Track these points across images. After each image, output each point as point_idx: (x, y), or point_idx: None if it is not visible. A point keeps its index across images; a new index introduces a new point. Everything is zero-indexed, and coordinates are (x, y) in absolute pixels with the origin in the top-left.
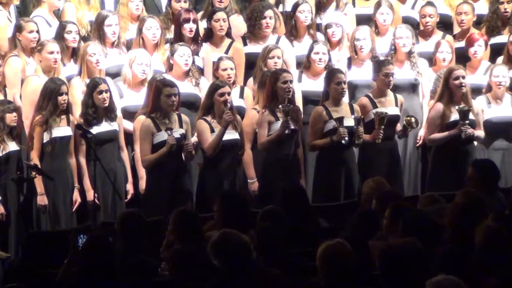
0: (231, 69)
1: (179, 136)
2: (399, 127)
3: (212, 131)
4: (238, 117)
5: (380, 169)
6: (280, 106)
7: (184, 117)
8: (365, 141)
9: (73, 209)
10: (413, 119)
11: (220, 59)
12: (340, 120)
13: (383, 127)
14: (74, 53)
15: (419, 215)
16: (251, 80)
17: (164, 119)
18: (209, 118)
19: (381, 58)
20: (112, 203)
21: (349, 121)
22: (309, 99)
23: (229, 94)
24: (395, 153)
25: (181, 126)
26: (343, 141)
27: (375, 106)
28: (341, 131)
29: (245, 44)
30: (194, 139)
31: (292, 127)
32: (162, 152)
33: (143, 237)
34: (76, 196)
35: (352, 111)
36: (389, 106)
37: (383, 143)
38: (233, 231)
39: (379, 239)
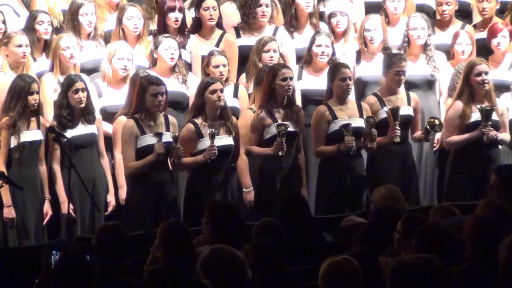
0: (224, 65)
1: (170, 140)
2: (419, 131)
3: (201, 136)
4: (234, 119)
5: (392, 175)
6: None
7: (171, 119)
8: (379, 144)
9: (44, 223)
10: (437, 121)
11: (211, 54)
12: (346, 126)
13: (398, 122)
14: (46, 46)
15: (435, 229)
16: (243, 76)
17: (149, 121)
18: (199, 121)
19: (394, 51)
20: (90, 215)
21: (357, 122)
22: (310, 98)
23: (221, 91)
24: (409, 158)
25: (167, 129)
26: (351, 152)
27: (383, 106)
28: (346, 140)
29: (238, 35)
30: None
31: (292, 129)
32: (148, 160)
33: (125, 254)
34: (47, 208)
35: (361, 110)
36: (401, 105)
37: (395, 146)
38: (226, 246)
39: (390, 255)
